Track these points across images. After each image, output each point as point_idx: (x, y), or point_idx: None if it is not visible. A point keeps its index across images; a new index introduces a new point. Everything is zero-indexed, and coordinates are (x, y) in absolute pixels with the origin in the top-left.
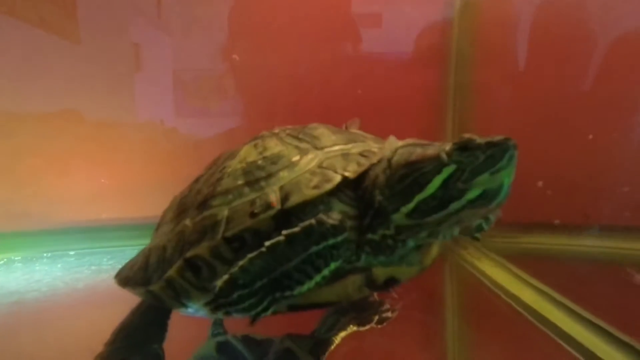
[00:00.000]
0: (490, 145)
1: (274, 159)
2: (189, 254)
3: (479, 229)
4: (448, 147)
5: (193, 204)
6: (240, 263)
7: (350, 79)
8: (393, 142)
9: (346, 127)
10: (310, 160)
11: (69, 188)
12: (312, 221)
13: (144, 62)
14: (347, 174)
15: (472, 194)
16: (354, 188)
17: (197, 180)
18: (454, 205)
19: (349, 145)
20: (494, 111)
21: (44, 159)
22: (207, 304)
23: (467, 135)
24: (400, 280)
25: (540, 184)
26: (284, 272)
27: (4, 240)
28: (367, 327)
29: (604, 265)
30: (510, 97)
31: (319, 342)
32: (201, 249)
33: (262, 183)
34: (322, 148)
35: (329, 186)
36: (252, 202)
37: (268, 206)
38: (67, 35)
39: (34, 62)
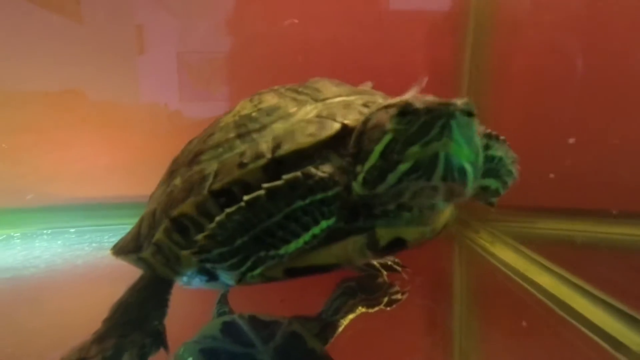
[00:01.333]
0: (427, 111)
1: (269, 111)
2: (174, 213)
3: (495, 193)
4: (392, 109)
5: (184, 162)
6: (218, 218)
7: (363, 48)
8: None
9: (407, 90)
10: (308, 111)
11: (69, 165)
12: (298, 173)
13: (147, 44)
14: (347, 121)
15: (404, 166)
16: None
17: (190, 142)
18: (391, 178)
19: (352, 97)
20: (511, 82)
21: (46, 136)
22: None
23: (409, 98)
24: (408, 241)
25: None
26: (266, 229)
27: (2, 216)
28: (376, 309)
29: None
30: (529, 67)
31: (327, 325)
32: (186, 206)
33: (255, 135)
34: (322, 100)
35: (325, 134)
36: (242, 154)
37: (258, 156)
38: (70, 14)
39: (36, 41)
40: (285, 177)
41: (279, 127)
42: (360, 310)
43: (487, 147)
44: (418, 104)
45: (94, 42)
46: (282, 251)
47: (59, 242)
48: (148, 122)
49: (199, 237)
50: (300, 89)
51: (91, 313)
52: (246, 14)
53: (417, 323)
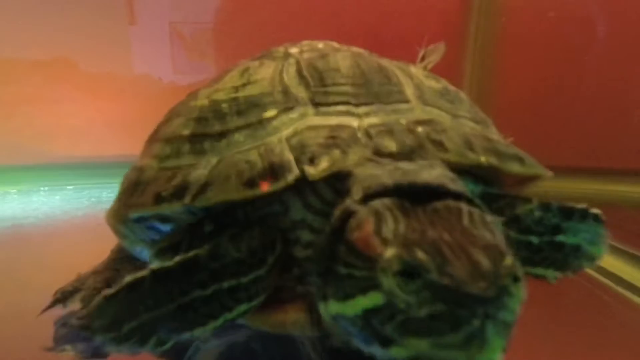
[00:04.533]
0: (450, 294)
1: (244, 107)
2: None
3: (553, 279)
4: (391, 252)
5: (154, 137)
6: (93, 303)
7: (364, 5)
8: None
9: (422, 58)
10: (287, 121)
11: (64, 124)
12: (198, 253)
13: (139, 14)
14: (311, 170)
15: (399, 353)
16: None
17: (195, 96)
18: (375, 350)
19: (368, 108)
20: (520, 37)
21: (40, 101)
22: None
23: (419, 254)
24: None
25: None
26: (158, 318)
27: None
28: None
29: None
30: (538, 22)
31: None
32: (113, 217)
33: (207, 145)
34: (319, 104)
35: (266, 188)
36: (171, 176)
37: (178, 192)
38: None
39: (27, 10)
40: (179, 258)
41: (235, 143)
42: None
43: (555, 230)
44: (435, 270)
45: (86, 12)
46: (186, 335)
47: (57, 197)
48: (142, 94)
49: (80, 315)
50: (306, 72)
51: (91, 261)
52: None
53: None
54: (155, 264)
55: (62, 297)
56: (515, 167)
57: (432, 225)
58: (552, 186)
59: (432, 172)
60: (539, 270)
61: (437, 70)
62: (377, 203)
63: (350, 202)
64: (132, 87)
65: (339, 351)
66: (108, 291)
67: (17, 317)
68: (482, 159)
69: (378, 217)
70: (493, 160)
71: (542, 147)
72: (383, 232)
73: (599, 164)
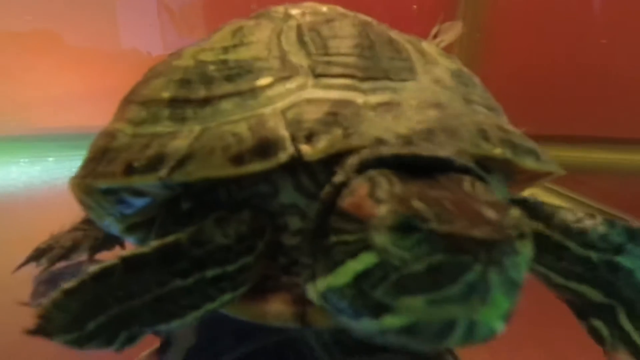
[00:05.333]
0: (450, 244)
1: (234, 71)
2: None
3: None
4: (385, 208)
5: (129, 99)
6: (54, 296)
7: None
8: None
9: (436, 35)
10: (284, 92)
11: (45, 95)
12: (179, 237)
13: None
14: (308, 149)
15: (392, 321)
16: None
17: (179, 55)
18: (369, 325)
19: (375, 84)
20: (510, 10)
21: (21, 73)
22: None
23: (416, 203)
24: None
25: None
26: (131, 311)
27: None
28: None
29: None
30: None
31: None
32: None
33: (189, 111)
34: (320, 75)
35: (252, 167)
36: (146, 145)
37: (152, 164)
38: None
39: None
40: (156, 244)
41: (223, 112)
42: None
43: (617, 250)
44: (434, 219)
45: None
46: (163, 328)
47: (37, 168)
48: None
49: (36, 313)
50: (307, 37)
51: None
52: None
53: None
54: (126, 252)
55: (36, 255)
56: (530, 163)
57: (431, 188)
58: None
59: (439, 150)
60: (583, 288)
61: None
62: (373, 172)
63: (343, 172)
64: (120, 61)
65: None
66: (68, 285)
67: None
68: (498, 150)
69: (372, 182)
70: (508, 153)
71: (531, 116)
72: (377, 194)
73: (585, 132)
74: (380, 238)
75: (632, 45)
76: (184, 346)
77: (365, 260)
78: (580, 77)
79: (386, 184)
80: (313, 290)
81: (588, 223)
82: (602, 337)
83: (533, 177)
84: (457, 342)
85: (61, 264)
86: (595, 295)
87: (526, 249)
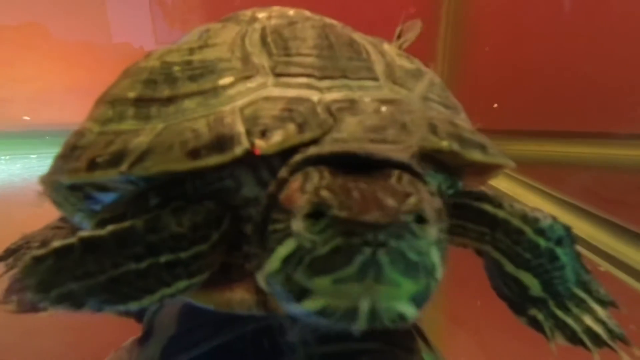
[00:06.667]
0: (344, 226)
1: (198, 71)
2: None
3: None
4: (304, 199)
5: (100, 99)
6: (23, 261)
7: None
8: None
9: (399, 35)
10: (244, 91)
11: (28, 91)
12: (134, 223)
13: None
14: (262, 144)
15: (309, 304)
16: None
17: (148, 57)
18: (294, 308)
19: (332, 82)
20: (492, 11)
21: (5, 67)
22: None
23: (324, 193)
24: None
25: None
26: (90, 288)
27: None
28: None
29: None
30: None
31: None
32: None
33: (153, 110)
34: (280, 74)
35: (209, 161)
36: (109, 142)
37: (115, 158)
38: None
39: None
40: (112, 227)
41: (182, 112)
42: None
43: (559, 242)
44: (336, 206)
45: None
46: (120, 308)
47: (18, 165)
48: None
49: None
50: (269, 39)
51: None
52: None
53: None
54: (84, 232)
55: (5, 255)
56: (476, 155)
57: (354, 181)
58: (521, 149)
59: (383, 147)
60: (528, 278)
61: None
62: (311, 168)
63: (286, 169)
64: (111, 57)
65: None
66: (36, 252)
67: None
68: (444, 143)
69: (306, 177)
70: (455, 146)
71: (513, 113)
72: (305, 187)
73: (565, 127)
74: (297, 224)
75: (610, 43)
76: (165, 335)
77: (288, 246)
78: (559, 73)
79: (317, 178)
80: (260, 278)
81: (539, 214)
82: (541, 326)
83: (482, 171)
84: (365, 324)
85: None
86: (535, 286)
87: (427, 233)
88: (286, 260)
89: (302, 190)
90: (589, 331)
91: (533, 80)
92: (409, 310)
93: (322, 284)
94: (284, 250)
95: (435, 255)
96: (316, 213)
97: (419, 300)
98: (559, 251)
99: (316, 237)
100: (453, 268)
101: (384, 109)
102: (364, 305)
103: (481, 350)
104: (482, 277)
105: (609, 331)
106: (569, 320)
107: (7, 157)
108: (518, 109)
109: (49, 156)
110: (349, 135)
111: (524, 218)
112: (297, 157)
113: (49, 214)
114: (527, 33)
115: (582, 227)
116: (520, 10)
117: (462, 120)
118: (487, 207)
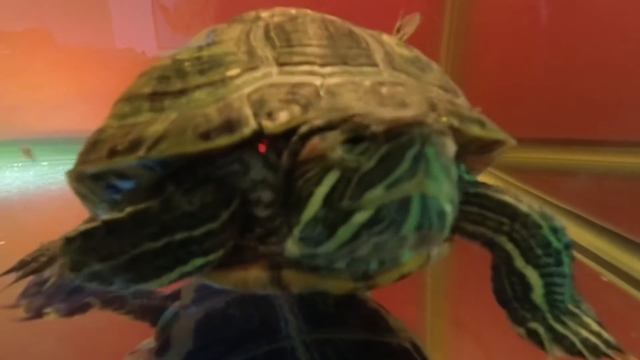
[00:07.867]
0: (390, 135)
1: (207, 65)
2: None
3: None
4: (335, 134)
5: (118, 99)
6: (61, 238)
7: None
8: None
9: (398, 30)
10: (250, 80)
11: (37, 100)
12: (151, 204)
13: None
14: (269, 124)
15: (361, 216)
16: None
17: (161, 58)
18: (343, 233)
19: (334, 68)
20: (496, 10)
21: (11, 74)
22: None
23: (357, 117)
24: (331, 293)
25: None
26: (113, 268)
27: None
28: None
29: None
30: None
31: None
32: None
33: (167, 102)
34: (284, 64)
35: (221, 142)
36: (127, 132)
37: (133, 146)
38: None
39: None
40: (130, 209)
41: (193, 102)
42: None
43: (567, 247)
44: (375, 124)
45: None
46: (143, 286)
47: (31, 172)
48: (125, 68)
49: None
50: (272, 33)
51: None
52: None
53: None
54: (106, 216)
55: (19, 266)
56: (475, 130)
57: None
58: (518, 156)
59: (385, 109)
60: (533, 275)
61: (415, 39)
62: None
63: (297, 136)
64: (114, 61)
65: (315, 313)
66: (68, 233)
67: None
68: (443, 119)
69: (322, 136)
70: (454, 121)
71: (513, 116)
72: (326, 138)
73: (562, 135)
74: (337, 153)
75: (609, 52)
76: (182, 349)
77: (329, 180)
78: (557, 81)
79: (332, 134)
80: (292, 242)
81: (554, 214)
82: (540, 339)
83: (483, 148)
84: (416, 222)
85: None
86: (538, 288)
87: (448, 143)
88: (328, 196)
89: (324, 140)
90: (586, 342)
91: (531, 88)
92: (448, 208)
93: (374, 195)
94: (324, 188)
95: (454, 171)
96: (353, 138)
97: (452, 202)
98: (564, 257)
99: (360, 157)
100: (456, 272)
101: (383, 90)
102: (416, 199)
103: (483, 354)
104: (485, 282)
105: (606, 342)
106: (568, 333)
107: (20, 165)
108: (516, 116)
109: (60, 163)
110: (350, 108)
111: (542, 214)
112: (304, 128)
113: (63, 220)
114: (527, 43)
115: (578, 234)
116: (521, 22)
117: (461, 102)
118: (509, 199)
